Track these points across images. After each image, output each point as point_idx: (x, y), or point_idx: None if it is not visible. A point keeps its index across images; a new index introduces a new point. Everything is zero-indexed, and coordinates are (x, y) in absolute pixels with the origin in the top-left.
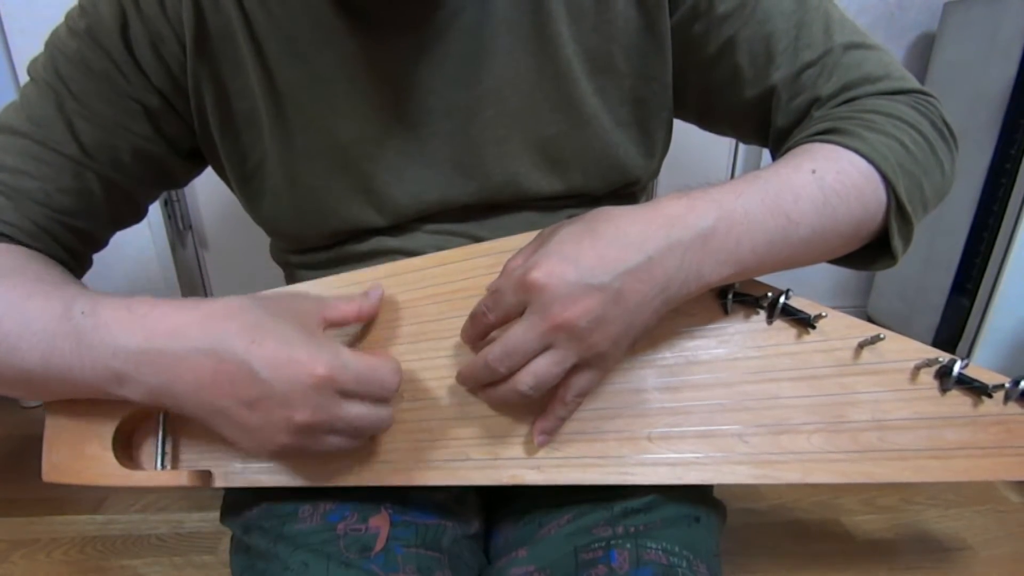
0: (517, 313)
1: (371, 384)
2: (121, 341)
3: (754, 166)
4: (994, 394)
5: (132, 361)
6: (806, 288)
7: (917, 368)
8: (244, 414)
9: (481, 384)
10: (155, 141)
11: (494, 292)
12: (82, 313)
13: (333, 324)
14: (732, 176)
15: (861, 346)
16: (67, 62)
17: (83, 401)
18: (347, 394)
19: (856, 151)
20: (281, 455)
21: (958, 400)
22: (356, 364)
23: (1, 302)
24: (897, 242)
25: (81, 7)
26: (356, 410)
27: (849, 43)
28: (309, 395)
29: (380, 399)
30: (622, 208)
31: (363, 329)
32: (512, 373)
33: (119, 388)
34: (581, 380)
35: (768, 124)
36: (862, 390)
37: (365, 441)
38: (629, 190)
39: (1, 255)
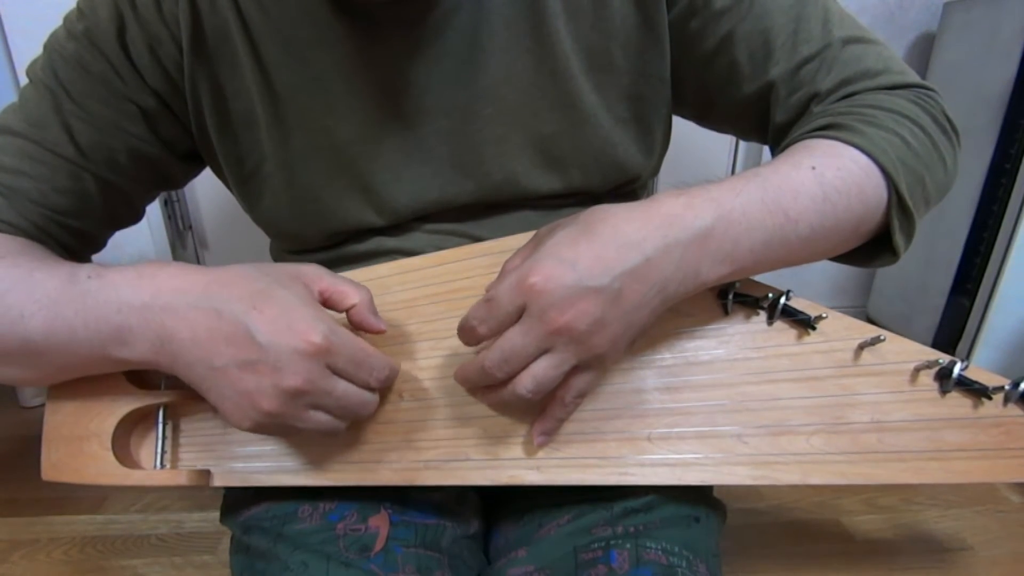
0: (513, 321)
1: (362, 367)
2: (127, 296)
3: (755, 163)
4: (994, 396)
5: (136, 315)
6: (806, 288)
7: (917, 370)
8: (235, 375)
9: (479, 387)
10: (151, 143)
11: (488, 300)
12: (88, 277)
13: (326, 300)
14: (732, 173)
15: (861, 347)
16: (65, 64)
17: (83, 399)
18: (337, 370)
19: (856, 146)
20: (263, 427)
21: (958, 402)
22: (352, 343)
23: (5, 278)
24: (899, 238)
25: (79, 10)
26: (343, 387)
27: (848, 38)
28: (301, 362)
29: (367, 386)
30: (618, 206)
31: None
32: (510, 378)
33: (120, 348)
34: (580, 381)
35: (767, 120)
36: (862, 391)
37: (348, 429)
38: (629, 188)
39: (2, 243)
